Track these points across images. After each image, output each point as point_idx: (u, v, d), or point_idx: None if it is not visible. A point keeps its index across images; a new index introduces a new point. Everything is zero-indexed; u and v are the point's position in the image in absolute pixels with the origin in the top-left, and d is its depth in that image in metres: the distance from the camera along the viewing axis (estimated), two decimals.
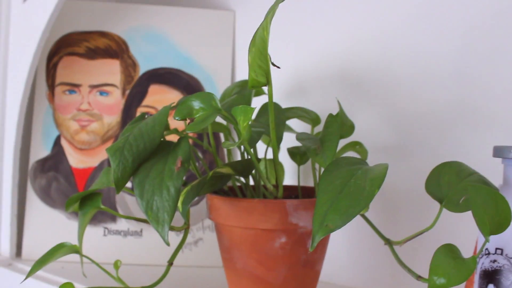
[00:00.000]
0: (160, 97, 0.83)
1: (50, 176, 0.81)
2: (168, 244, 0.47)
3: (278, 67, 0.48)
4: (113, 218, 0.80)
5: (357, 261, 0.73)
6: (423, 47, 0.68)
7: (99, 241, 0.79)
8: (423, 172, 0.67)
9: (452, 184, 0.52)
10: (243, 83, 0.70)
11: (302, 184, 0.75)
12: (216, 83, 0.84)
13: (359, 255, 0.73)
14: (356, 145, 0.66)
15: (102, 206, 0.56)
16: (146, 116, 0.56)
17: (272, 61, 0.48)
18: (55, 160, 0.82)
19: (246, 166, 0.53)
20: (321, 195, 0.46)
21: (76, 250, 0.54)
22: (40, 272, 0.73)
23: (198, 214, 0.80)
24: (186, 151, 0.50)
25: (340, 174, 0.47)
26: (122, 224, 0.80)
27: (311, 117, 0.64)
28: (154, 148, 0.51)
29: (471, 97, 0.65)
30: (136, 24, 0.84)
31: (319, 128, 0.67)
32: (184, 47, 0.84)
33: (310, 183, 0.75)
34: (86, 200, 0.57)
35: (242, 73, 0.84)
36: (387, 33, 0.71)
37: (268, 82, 0.48)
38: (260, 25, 0.45)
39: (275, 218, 0.53)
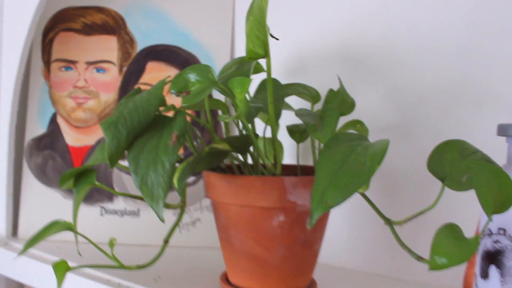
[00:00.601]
0: (158, 75, 0.81)
1: (46, 154, 0.80)
2: (162, 220, 0.46)
3: (277, 39, 0.47)
4: (110, 198, 0.79)
5: (356, 242, 0.72)
6: (426, 23, 0.66)
7: (96, 221, 0.78)
8: (424, 151, 0.66)
9: (454, 163, 0.51)
10: (242, 60, 0.68)
11: (301, 163, 0.74)
12: (215, 61, 0.82)
13: (359, 236, 0.72)
14: (356, 124, 0.64)
15: (97, 183, 0.54)
16: (141, 91, 0.54)
17: (270, 32, 0.46)
18: (51, 138, 0.80)
19: (244, 142, 0.52)
20: (320, 171, 0.44)
21: (70, 227, 0.53)
22: (35, 251, 0.72)
23: (195, 194, 0.79)
24: (181, 126, 0.48)
25: (340, 150, 0.45)
26: (119, 204, 0.79)
27: (311, 94, 0.62)
28: (149, 122, 0.49)
29: (475, 75, 0.63)
30: None
31: (319, 106, 0.66)
32: (183, 24, 0.82)
33: (310, 163, 0.74)
34: (81, 176, 0.56)
35: (242, 51, 0.82)
36: (390, 9, 0.69)
37: (266, 54, 0.47)
38: None
39: (273, 196, 0.52)
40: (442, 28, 0.65)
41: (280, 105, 0.55)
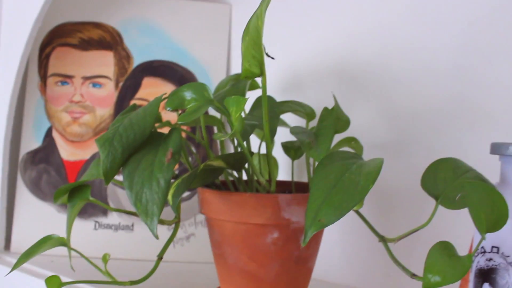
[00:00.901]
0: (154, 90, 0.81)
1: (41, 168, 0.80)
2: (157, 237, 0.46)
3: (273, 58, 0.47)
4: (104, 212, 0.79)
5: (350, 258, 0.72)
6: (421, 42, 0.67)
7: (89, 235, 0.78)
8: (418, 169, 0.66)
9: (448, 181, 0.51)
10: (238, 76, 0.69)
11: (296, 179, 0.74)
12: (211, 77, 0.82)
13: (353, 252, 0.72)
14: (351, 141, 0.64)
15: (91, 198, 0.54)
16: (137, 107, 0.55)
17: (266, 51, 0.47)
18: (46, 152, 0.80)
19: (239, 159, 0.52)
20: (314, 189, 0.45)
21: (64, 242, 0.53)
22: (28, 266, 0.72)
23: (190, 209, 0.79)
24: (177, 143, 0.49)
25: (334, 168, 0.46)
26: (113, 218, 0.79)
27: (306, 112, 0.62)
28: (144, 139, 0.49)
29: (469, 94, 0.64)
30: (131, 15, 0.83)
31: (314, 123, 0.66)
32: (179, 40, 0.83)
33: (304, 179, 0.74)
34: (75, 192, 0.56)
35: (238, 67, 0.83)
36: (385, 27, 0.70)
37: (262, 73, 0.47)
38: (254, 13, 0.44)
39: (268, 213, 0.52)
40: (437, 47, 0.66)
41: (275, 123, 0.56)
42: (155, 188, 0.47)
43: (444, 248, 0.46)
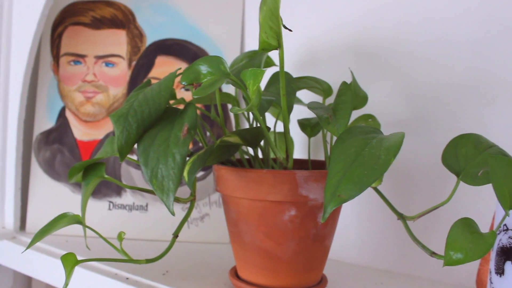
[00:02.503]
0: (167, 69, 0.80)
1: (55, 149, 0.79)
2: (173, 213, 0.45)
3: (290, 30, 0.46)
4: (118, 192, 0.78)
5: (366, 238, 0.71)
6: (440, 16, 0.65)
7: (104, 215, 0.78)
8: (438, 147, 0.65)
9: (470, 157, 0.50)
10: (253, 53, 0.68)
11: (312, 158, 0.73)
12: (225, 55, 0.81)
13: (369, 232, 0.71)
14: (368, 118, 0.63)
15: (106, 176, 0.54)
16: (151, 83, 0.54)
17: (283, 24, 0.46)
18: (60, 132, 0.80)
19: (255, 135, 0.51)
20: (333, 164, 0.44)
21: (79, 220, 0.53)
22: (43, 245, 0.72)
23: (204, 189, 0.78)
24: (192, 118, 0.48)
25: (354, 143, 0.45)
26: (127, 198, 0.78)
27: (322, 88, 0.61)
28: (159, 115, 0.49)
29: (490, 68, 0.62)
30: None
31: (331, 100, 0.65)
32: (193, 18, 0.81)
33: (321, 157, 0.73)
34: (89, 169, 0.55)
35: (252, 45, 0.81)
36: (403, 1, 0.68)
37: (279, 45, 0.46)
38: None
39: (285, 190, 0.51)
40: (456, 21, 0.64)
41: (292, 98, 0.55)
42: (170, 163, 0.46)
43: (466, 225, 0.45)
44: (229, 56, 0.81)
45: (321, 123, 0.49)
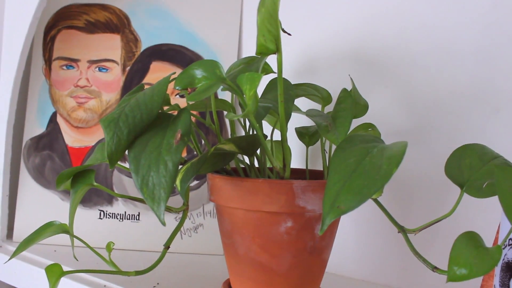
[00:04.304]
0: (162, 74, 0.79)
1: (45, 155, 0.77)
2: (163, 223, 0.43)
3: (289, 34, 0.44)
4: (110, 201, 0.76)
5: (365, 251, 0.69)
6: (442, 24, 0.64)
7: (94, 225, 0.76)
8: (439, 157, 0.63)
9: (474, 168, 0.48)
10: (251, 59, 0.66)
11: (310, 167, 0.71)
12: (222, 61, 0.79)
13: (368, 244, 0.69)
14: (368, 127, 0.61)
15: (95, 183, 0.52)
16: (144, 87, 0.52)
17: (282, 27, 0.44)
18: (50, 138, 0.78)
19: (251, 143, 0.49)
20: (332, 173, 0.42)
21: (66, 229, 0.50)
22: (30, 255, 0.69)
23: (198, 198, 0.76)
24: (186, 124, 0.46)
25: (354, 152, 0.43)
26: (119, 207, 0.76)
27: (321, 96, 0.59)
28: (151, 120, 0.47)
29: (493, 77, 0.60)
30: None
31: (330, 108, 0.63)
32: (189, 23, 0.80)
33: (319, 167, 0.71)
34: (78, 177, 0.53)
35: (250, 51, 0.79)
36: (403, 7, 0.66)
37: (278, 50, 0.44)
38: None
39: (281, 200, 0.49)
40: (459, 28, 0.62)
41: (290, 105, 0.53)
42: (162, 171, 0.44)
43: (471, 239, 0.43)
44: (226, 62, 0.79)
45: (320, 131, 0.47)
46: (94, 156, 0.56)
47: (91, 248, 0.51)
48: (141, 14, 0.80)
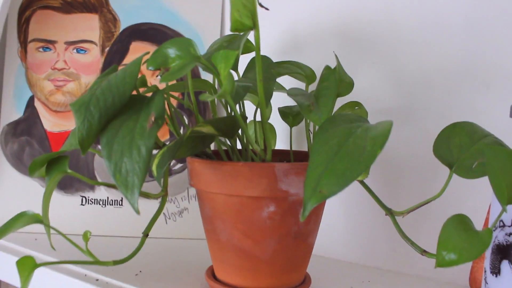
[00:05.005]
0: None
1: (23, 141, 0.75)
2: (137, 212, 0.41)
3: (267, 9, 0.42)
4: (92, 187, 0.74)
5: (353, 233, 0.67)
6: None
7: (76, 211, 0.73)
8: (428, 136, 0.61)
9: (463, 147, 0.46)
10: (233, 37, 0.63)
11: (294, 148, 0.69)
12: (204, 41, 0.77)
13: (356, 226, 0.67)
14: (355, 106, 0.59)
15: (69, 171, 0.49)
16: (117, 69, 0.49)
17: (259, 1, 0.41)
18: (28, 123, 0.75)
19: (231, 125, 0.47)
20: (314, 156, 0.40)
21: (39, 219, 0.48)
22: (8, 244, 0.67)
23: (183, 182, 0.74)
24: (160, 106, 0.43)
25: (337, 132, 0.41)
26: (101, 193, 0.74)
27: (305, 74, 0.57)
28: (124, 103, 0.44)
29: (484, 52, 0.58)
30: None
31: (314, 87, 0.61)
32: (170, 1, 0.77)
33: (304, 148, 0.69)
34: (52, 164, 0.51)
35: None
36: None
37: (254, 26, 0.42)
38: None
39: (263, 184, 0.47)
40: (449, 2, 0.60)
41: (271, 84, 0.50)
42: (135, 157, 0.42)
43: (460, 222, 0.41)
44: (209, 41, 0.77)
45: (302, 111, 0.45)
46: (68, 141, 0.53)
47: (67, 238, 0.49)
48: None
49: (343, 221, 0.68)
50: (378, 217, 0.65)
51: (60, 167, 0.50)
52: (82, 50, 0.76)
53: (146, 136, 0.42)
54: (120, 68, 0.75)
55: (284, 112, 0.58)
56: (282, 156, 0.61)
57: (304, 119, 0.58)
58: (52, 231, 0.50)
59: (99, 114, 0.44)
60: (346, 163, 0.38)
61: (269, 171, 0.47)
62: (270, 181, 0.47)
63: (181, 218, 0.74)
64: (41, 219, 0.49)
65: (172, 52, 0.43)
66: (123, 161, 0.42)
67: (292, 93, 0.48)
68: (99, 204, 0.74)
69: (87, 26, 0.76)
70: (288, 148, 0.69)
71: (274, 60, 0.59)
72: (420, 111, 0.63)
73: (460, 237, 0.40)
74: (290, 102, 0.69)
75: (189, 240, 0.73)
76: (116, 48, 0.76)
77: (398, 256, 0.64)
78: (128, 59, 0.76)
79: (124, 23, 0.76)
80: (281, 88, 0.63)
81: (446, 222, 0.41)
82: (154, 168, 0.44)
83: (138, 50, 0.76)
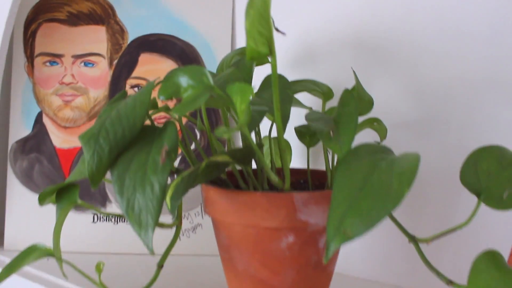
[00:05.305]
0: (152, 67, 0.74)
1: (32, 158, 0.73)
2: (152, 252, 0.39)
3: (283, 33, 0.40)
4: (103, 203, 0.72)
5: (373, 250, 0.65)
6: (451, 3, 0.58)
7: (88, 229, 0.72)
8: (449, 151, 0.59)
9: (492, 174, 0.44)
10: (243, 51, 0.61)
11: (312, 166, 0.67)
12: (215, 51, 0.74)
13: (376, 243, 0.65)
14: (373, 122, 0.57)
15: (79, 201, 0.48)
16: (126, 95, 0.47)
17: (275, 26, 0.39)
18: (37, 140, 0.73)
19: (247, 154, 0.45)
20: (337, 192, 0.38)
21: (50, 253, 0.47)
22: None
23: (196, 197, 0.72)
24: (173, 139, 0.41)
25: (360, 166, 0.38)
26: (112, 209, 0.72)
27: (322, 91, 0.55)
28: (135, 135, 0.42)
29: (509, 63, 0.55)
30: None
31: (332, 103, 0.59)
32: (178, 10, 0.74)
33: (321, 163, 0.67)
34: (62, 193, 0.49)
35: (243, 39, 0.74)
36: None
37: (271, 52, 0.39)
38: None
39: (281, 215, 0.45)
40: (470, 8, 0.57)
41: (288, 108, 0.48)
42: (149, 194, 0.40)
43: (492, 259, 0.39)
44: (219, 51, 0.74)
45: (322, 139, 0.43)
46: (77, 169, 0.51)
47: (79, 270, 0.48)
48: (126, 2, 0.74)
49: (362, 238, 0.66)
50: (397, 234, 0.63)
51: (70, 197, 0.48)
52: (89, 63, 0.74)
53: (159, 171, 0.40)
54: (129, 80, 0.73)
55: (301, 132, 0.55)
56: (298, 175, 0.59)
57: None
58: (59, 265, 0.49)
59: (109, 147, 0.42)
60: (371, 202, 0.36)
61: (287, 201, 0.45)
62: (289, 212, 0.45)
63: (195, 235, 0.72)
64: (53, 252, 0.47)
65: (184, 81, 0.41)
66: (136, 198, 0.40)
67: (310, 118, 0.45)
68: (111, 221, 0.72)
69: (94, 38, 0.74)
70: (304, 166, 0.66)
71: (286, 73, 0.57)
72: (440, 125, 0.60)
73: (492, 276, 0.38)
74: (303, 115, 0.66)
75: (203, 256, 0.71)
76: (124, 60, 0.74)
77: (418, 273, 0.62)
78: (137, 71, 0.74)
79: (132, 34, 0.74)
80: (297, 103, 0.61)
81: (477, 258, 0.39)
82: (168, 200, 0.42)
83: (147, 61, 0.74)
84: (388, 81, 0.64)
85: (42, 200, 0.50)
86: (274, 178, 0.45)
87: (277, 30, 0.39)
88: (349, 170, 0.38)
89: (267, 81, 0.55)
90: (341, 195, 0.37)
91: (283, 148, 0.44)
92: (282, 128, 0.43)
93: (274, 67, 0.40)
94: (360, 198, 0.36)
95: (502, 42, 0.56)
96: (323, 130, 0.44)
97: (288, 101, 0.49)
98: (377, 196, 0.36)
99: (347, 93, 0.45)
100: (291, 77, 0.66)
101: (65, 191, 0.49)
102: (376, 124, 0.57)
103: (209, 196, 0.48)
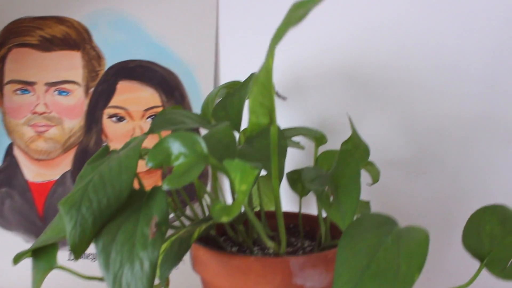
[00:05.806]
0: (131, 96, 0.70)
1: (3, 193, 0.69)
2: None
3: (285, 99, 0.37)
4: None
5: None
6: (447, 41, 0.56)
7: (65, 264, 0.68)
8: (440, 192, 0.57)
9: (496, 237, 0.42)
10: (230, 85, 0.58)
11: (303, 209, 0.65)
12: (197, 78, 0.71)
13: None
14: (366, 165, 0.55)
15: (59, 265, 0.44)
16: (109, 150, 0.44)
17: (277, 90, 0.36)
18: (8, 173, 0.69)
19: (239, 216, 0.42)
20: (340, 270, 0.35)
21: None
22: None
23: None
24: (162, 209, 0.38)
25: (365, 241, 0.36)
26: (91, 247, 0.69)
27: (315, 136, 0.52)
28: (121, 203, 0.39)
29: (505, 104, 0.54)
30: (100, 7, 0.71)
31: (324, 148, 0.56)
32: (159, 35, 0.71)
33: (312, 209, 0.65)
34: (39, 254, 0.45)
35: (227, 66, 0.71)
36: (403, 20, 0.59)
37: (271, 121, 0.37)
38: (265, 57, 0.33)
39: (277, 280, 0.42)
40: (467, 47, 0.55)
41: (282, 162, 0.46)
42: (138, 271, 0.37)
43: None
44: (201, 78, 0.71)
45: (320, 203, 0.40)
46: (55, 225, 0.48)
47: None
48: (103, 27, 0.70)
49: None
50: None
51: (48, 259, 0.45)
52: (64, 91, 0.69)
53: (149, 247, 0.37)
54: (106, 110, 0.69)
55: (293, 179, 0.53)
56: (288, 219, 0.57)
57: None
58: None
59: (93, 217, 0.39)
60: (379, 285, 0.34)
61: (283, 266, 0.42)
62: (285, 277, 0.42)
63: (177, 270, 0.69)
64: None
65: (175, 148, 0.38)
66: (124, 273, 0.37)
67: (308, 178, 0.43)
68: (88, 258, 0.69)
69: (69, 65, 0.70)
70: (294, 209, 0.64)
71: (275, 103, 0.54)
72: (433, 165, 0.59)
73: None
74: (296, 154, 0.64)
75: None
76: (101, 88, 0.70)
77: (433, 285, 0.60)
78: (115, 100, 0.70)
79: (110, 60, 0.70)
80: (292, 144, 0.58)
81: None
82: (157, 269, 0.40)
83: (126, 90, 0.70)
84: (379, 117, 0.62)
85: (17, 261, 0.46)
86: (270, 244, 0.42)
87: (278, 95, 0.37)
88: (353, 245, 0.36)
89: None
90: (345, 274, 0.35)
91: (280, 213, 0.42)
92: (279, 198, 0.41)
93: (274, 136, 0.38)
94: (365, 280, 0.34)
95: (498, 80, 0.54)
96: (321, 193, 0.41)
97: (282, 154, 0.46)
98: (385, 278, 0.34)
99: (346, 153, 0.43)
100: (280, 109, 0.64)
101: (42, 252, 0.45)
102: (369, 167, 0.55)
103: (199, 256, 0.46)
